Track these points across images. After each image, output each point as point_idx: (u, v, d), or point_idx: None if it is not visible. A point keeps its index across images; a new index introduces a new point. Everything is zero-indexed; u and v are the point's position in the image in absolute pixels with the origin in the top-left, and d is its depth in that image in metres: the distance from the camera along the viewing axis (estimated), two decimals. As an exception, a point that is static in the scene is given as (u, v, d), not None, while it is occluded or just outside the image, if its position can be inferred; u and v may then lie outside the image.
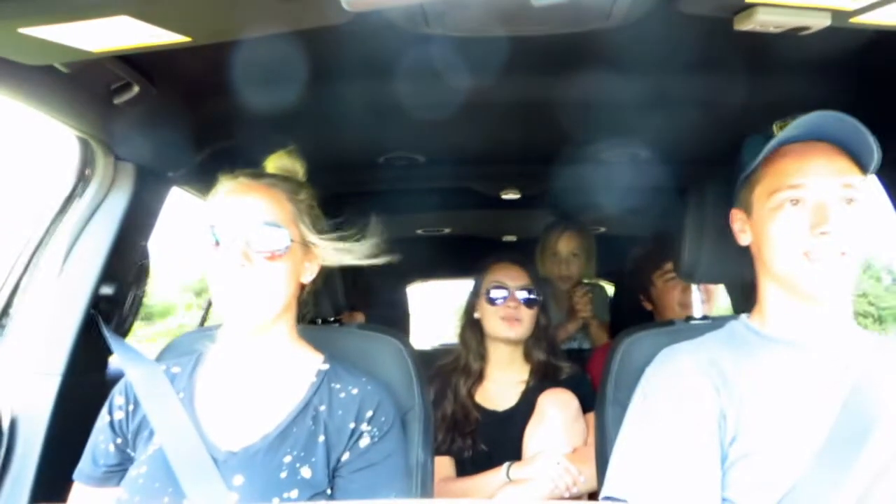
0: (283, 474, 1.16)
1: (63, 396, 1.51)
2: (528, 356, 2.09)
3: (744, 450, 1.10)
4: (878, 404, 1.08)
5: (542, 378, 2.03)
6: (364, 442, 1.23)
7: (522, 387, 2.04)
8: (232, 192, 1.26)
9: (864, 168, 1.17)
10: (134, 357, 1.39)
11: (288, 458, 1.18)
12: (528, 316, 2.04)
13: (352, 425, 1.23)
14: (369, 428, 1.23)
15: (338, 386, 1.28)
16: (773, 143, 1.17)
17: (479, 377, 2.09)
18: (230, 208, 1.23)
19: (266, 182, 1.29)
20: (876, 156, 1.14)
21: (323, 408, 1.25)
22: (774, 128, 1.21)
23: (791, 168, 1.17)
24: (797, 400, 1.12)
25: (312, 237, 1.29)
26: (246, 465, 1.17)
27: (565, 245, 2.84)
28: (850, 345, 1.18)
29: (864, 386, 1.11)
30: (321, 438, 1.21)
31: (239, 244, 1.19)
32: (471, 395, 2.04)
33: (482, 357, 2.09)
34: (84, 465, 1.28)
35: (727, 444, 1.12)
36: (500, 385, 2.07)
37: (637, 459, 1.14)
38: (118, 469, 1.26)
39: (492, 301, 2.05)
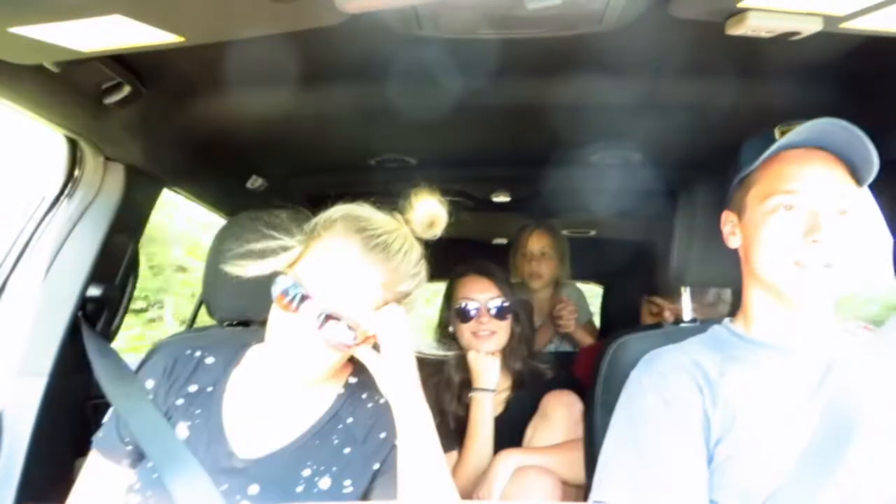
0: (300, 488, 1.13)
1: (50, 397, 1.50)
2: (506, 367, 2.06)
3: (728, 452, 1.10)
4: (861, 406, 1.09)
5: (523, 385, 2.02)
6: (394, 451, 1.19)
7: (505, 395, 2.03)
8: (329, 252, 1.14)
9: (859, 180, 1.17)
10: (114, 373, 1.33)
11: (307, 472, 1.15)
12: (501, 327, 2.01)
13: (382, 435, 1.20)
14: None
15: (364, 395, 1.25)
16: (775, 146, 1.16)
17: (462, 388, 2.06)
18: (323, 274, 1.12)
19: (379, 256, 1.14)
20: (875, 169, 1.13)
21: (350, 420, 1.22)
22: (776, 131, 1.19)
23: (789, 173, 1.16)
24: (781, 402, 1.12)
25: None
26: (263, 475, 1.14)
27: (535, 243, 2.86)
28: (833, 348, 1.18)
29: (847, 388, 1.11)
30: (347, 450, 1.19)
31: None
32: (457, 405, 2.03)
33: (463, 368, 2.07)
34: (106, 436, 1.21)
35: (712, 446, 1.12)
36: None
37: (624, 463, 1.15)
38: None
39: (464, 318, 2.01)
